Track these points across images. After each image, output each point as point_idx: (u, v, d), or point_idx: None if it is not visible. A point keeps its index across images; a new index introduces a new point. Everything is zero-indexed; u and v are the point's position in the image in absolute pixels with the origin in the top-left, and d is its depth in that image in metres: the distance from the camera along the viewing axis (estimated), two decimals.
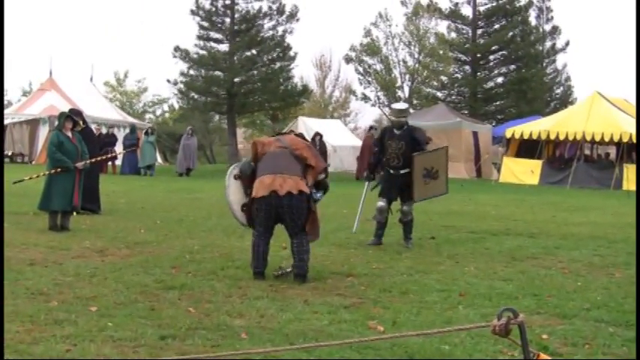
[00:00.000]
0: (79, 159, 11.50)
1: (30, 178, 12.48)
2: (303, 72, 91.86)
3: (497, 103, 49.52)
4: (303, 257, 7.74)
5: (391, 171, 10.66)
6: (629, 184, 25.35)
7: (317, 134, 30.42)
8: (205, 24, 47.08)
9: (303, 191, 7.62)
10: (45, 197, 11.46)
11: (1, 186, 11.77)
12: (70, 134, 11.68)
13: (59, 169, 11.35)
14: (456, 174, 29.01)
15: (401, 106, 11.41)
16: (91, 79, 39.90)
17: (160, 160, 38.39)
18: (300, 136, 8.54)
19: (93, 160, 12.22)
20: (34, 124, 34.82)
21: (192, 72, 47.82)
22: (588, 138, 28.91)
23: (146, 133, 30.50)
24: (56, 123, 12.34)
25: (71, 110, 15.07)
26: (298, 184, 7.60)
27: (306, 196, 7.67)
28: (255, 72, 47.43)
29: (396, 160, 10.59)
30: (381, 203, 10.72)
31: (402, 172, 10.55)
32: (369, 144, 25.25)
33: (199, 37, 47.41)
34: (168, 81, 48.19)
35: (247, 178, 8.00)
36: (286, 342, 5.43)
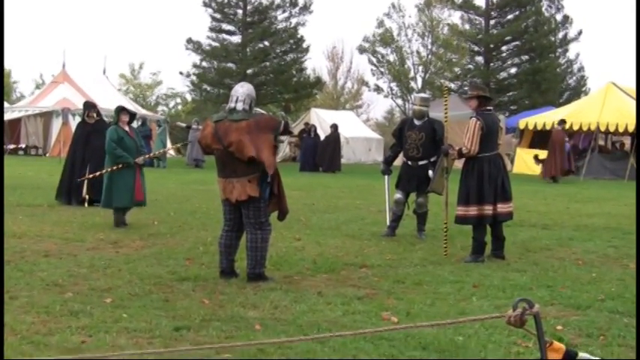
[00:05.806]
0: (138, 154, 11.18)
1: (93, 176, 12.00)
2: (315, 64, 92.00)
3: (511, 93, 49.35)
4: (256, 255, 7.31)
5: (409, 162, 10.61)
6: None
7: (332, 126, 30.48)
8: (218, 15, 47.09)
9: (252, 196, 7.23)
10: (107, 195, 11.06)
11: (1, 184, 11.81)
12: (127, 129, 11.28)
13: (120, 166, 10.95)
14: None
15: (425, 94, 11.50)
16: (104, 72, 39.97)
17: (172, 152, 38.46)
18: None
19: (151, 155, 12.14)
20: (47, 116, 34.96)
21: (204, 64, 47.90)
22: (602, 128, 28.72)
23: (159, 126, 30.58)
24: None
25: (86, 103, 15.17)
26: (245, 189, 7.22)
27: (256, 199, 7.28)
28: (268, 64, 47.44)
29: (415, 150, 10.54)
30: (398, 195, 10.69)
31: (420, 163, 10.49)
32: (560, 139, 24.25)
33: (212, 29, 47.44)
34: (181, 73, 48.39)
35: None
36: (300, 333, 5.44)
